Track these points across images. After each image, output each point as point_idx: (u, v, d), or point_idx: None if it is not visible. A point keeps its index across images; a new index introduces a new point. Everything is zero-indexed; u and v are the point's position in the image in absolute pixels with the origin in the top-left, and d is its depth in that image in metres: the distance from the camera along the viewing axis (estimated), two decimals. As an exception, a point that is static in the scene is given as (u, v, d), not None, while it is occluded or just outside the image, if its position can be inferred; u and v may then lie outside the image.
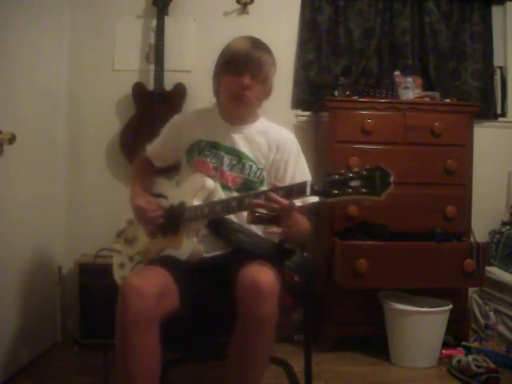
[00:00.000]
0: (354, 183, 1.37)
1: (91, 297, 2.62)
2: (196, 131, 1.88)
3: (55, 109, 2.71)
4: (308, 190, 1.45)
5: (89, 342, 2.60)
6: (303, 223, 1.72)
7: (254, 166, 1.83)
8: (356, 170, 1.39)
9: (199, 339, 1.73)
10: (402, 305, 2.47)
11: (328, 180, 1.41)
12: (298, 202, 1.76)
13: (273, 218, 1.59)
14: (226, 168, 1.82)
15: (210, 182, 1.76)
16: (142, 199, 1.82)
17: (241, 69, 1.74)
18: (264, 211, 1.58)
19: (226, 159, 1.82)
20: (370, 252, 2.45)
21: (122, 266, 1.91)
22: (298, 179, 1.70)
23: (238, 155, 1.83)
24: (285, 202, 1.51)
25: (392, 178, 1.34)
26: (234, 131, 1.86)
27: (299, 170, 1.86)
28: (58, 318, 2.74)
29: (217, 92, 1.87)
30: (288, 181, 1.79)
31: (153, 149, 2.01)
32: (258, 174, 1.83)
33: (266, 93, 1.84)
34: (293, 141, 1.90)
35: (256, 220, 1.61)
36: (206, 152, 1.84)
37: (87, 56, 2.95)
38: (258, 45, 1.79)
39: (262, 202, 1.53)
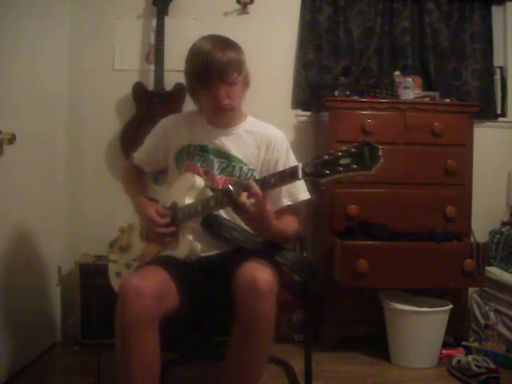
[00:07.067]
0: (344, 161, 1.38)
1: (91, 297, 2.62)
2: (183, 135, 1.86)
3: (55, 109, 2.71)
4: (300, 173, 1.45)
5: (89, 342, 2.61)
6: (277, 226, 1.67)
7: (245, 168, 1.81)
8: (344, 148, 1.39)
9: (198, 339, 1.74)
10: (402, 305, 2.47)
11: (319, 161, 1.42)
12: (287, 201, 1.77)
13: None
14: (216, 172, 1.80)
15: (199, 180, 1.75)
16: (151, 208, 1.76)
17: (214, 81, 1.67)
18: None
19: (216, 162, 1.81)
20: (370, 252, 2.45)
21: (118, 274, 1.90)
22: None
23: (227, 158, 1.81)
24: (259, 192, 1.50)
25: (381, 152, 1.35)
26: (222, 134, 1.83)
27: None
28: (58, 318, 2.74)
29: (196, 102, 1.84)
30: None
31: (141, 155, 1.98)
32: (249, 174, 1.81)
33: (246, 84, 1.79)
34: (282, 139, 1.86)
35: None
36: (195, 156, 1.82)
37: (87, 56, 2.95)
38: (222, 46, 1.69)
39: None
